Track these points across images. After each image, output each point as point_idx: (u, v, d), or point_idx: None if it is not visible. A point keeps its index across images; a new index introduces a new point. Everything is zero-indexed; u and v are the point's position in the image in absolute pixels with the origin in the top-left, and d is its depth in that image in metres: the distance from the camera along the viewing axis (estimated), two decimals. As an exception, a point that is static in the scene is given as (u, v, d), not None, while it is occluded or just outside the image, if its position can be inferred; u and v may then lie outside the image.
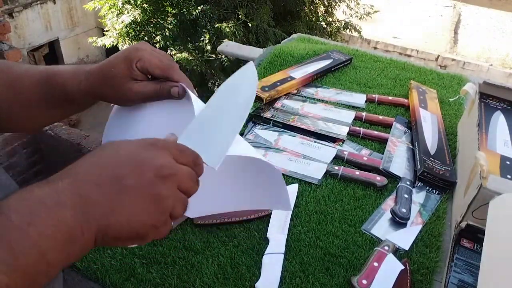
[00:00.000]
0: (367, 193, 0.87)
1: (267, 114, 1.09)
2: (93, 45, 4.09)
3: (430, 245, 0.76)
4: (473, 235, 0.71)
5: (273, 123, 1.07)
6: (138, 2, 3.73)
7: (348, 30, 4.61)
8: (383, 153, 0.97)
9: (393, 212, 0.81)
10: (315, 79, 1.29)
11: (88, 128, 4.87)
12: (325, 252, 0.74)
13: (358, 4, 4.70)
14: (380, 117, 1.11)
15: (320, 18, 4.55)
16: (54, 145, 2.15)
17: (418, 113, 1.07)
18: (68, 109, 0.56)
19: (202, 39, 3.67)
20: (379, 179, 0.88)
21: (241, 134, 1.03)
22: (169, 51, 3.80)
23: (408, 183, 0.89)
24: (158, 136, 0.47)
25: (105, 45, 3.90)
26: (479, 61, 6.28)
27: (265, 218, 0.79)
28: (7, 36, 2.59)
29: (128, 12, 3.71)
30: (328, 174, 0.91)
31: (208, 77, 3.67)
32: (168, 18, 3.74)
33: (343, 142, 1.02)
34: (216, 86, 3.59)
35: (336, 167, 0.91)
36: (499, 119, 0.96)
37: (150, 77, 0.53)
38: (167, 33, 3.65)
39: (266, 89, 1.16)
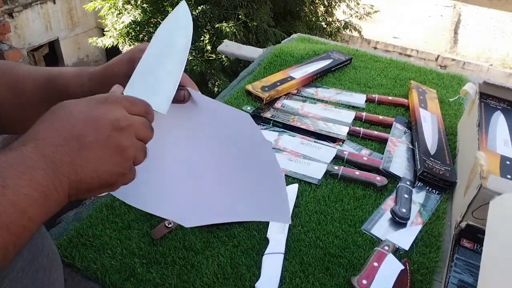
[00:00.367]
0: (367, 193, 0.87)
1: (267, 114, 1.09)
2: (93, 45, 4.09)
3: (430, 245, 0.76)
4: (473, 235, 0.71)
5: (273, 123, 1.07)
6: (138, 2, 3.73)
7: (348, 30, 4.61)
8: (383, 153, 0.97)
9: (393, 212, 0.81)
10: (315, 79, 1.29)
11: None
12: (325, 252, 0.74)
13: (358, 4, 4.69)
14: (380, 117, 1.11)
15: (320, 18, 4.54)
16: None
17: (418, 113, 1.07)
18: None
19: (202, 39, 3.67)
20: (379, 179, 0.88)
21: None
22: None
23: (408, 183, 0.89)
24: (165, 141, 0.49)
25: (105, 45, 3.90)
26: (479, 61, 6.27)
27: (265, 218, 0.79)
28: (7, 36, 2.59)
29: (128, 12, 3.71)
30: (328, 174, 0.91)
31: (208, 77, 3.67)
32: (168, 18, 3.73)
33: (343, 142, 1.02)
34: (216, 86, 3.58)
35: (336, 167, 0.91)
36: (499, 119, 0.96)
37: None
38: (167, 33, 3.64)
39: (266, 89, 1.16)
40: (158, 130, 0.50)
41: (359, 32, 4.58)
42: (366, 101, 1.20)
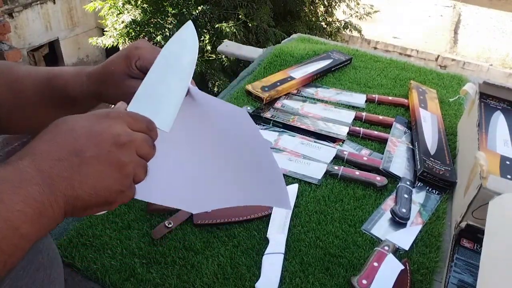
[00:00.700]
0: (367, 193, 0.87)
1: (267, 114, 1.09)
2: (93, 44, 4.09)
3: (430, 245, 0.76)
4: (473, 235, 0.71)
5: (273, 123, 1.07)
6: (138, 2, 3.73)
7: (348, 30, 4.61)
8: (383, 153, 0.97)
9: (393, 212, 0.81)
10: (315, 79, 1.29)
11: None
12: (325, 252, 0.74)
13: (358, 4, 4.69)
14: (380, 117, 1.11)
15: (320, 18, 4.54)
16: (54, 145, 2.15)
17: (418, 113, 1.07)
18: (69, 111, 0.55)
19: (202, 39, 3.66)
20: (379, 179, 0.89)
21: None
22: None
23: (408, 183, 0.89)
24: (166, 136, 0.49)
25: (105, 45, 3.90)
26: (479, 61, 6.27)
27: (265, 218, 0.79)
28: (7, 36, 2.59)
29: (128, 12, 3.71)
30: (328, 174, 0.91)
31: (208, 77, 3.66)
32: (168, 18, 3.73)
33: (343, 142, 1.02)
34: (216, 86, 3.58)
35: (336, 167, 0.91)
36: (499, 119, 0.96)
37: None
38: (167, 33, 3.64)
39: (266, 89, 1.16)
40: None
41: (359, 32, 4.58)
42: (366, 101, 1.20)
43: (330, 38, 4.27)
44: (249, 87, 1.17)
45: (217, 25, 3.46)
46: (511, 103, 1.01)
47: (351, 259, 0.73)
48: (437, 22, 7.34)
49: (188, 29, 0.54)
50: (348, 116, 1.12)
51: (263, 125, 1.07)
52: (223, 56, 3.49)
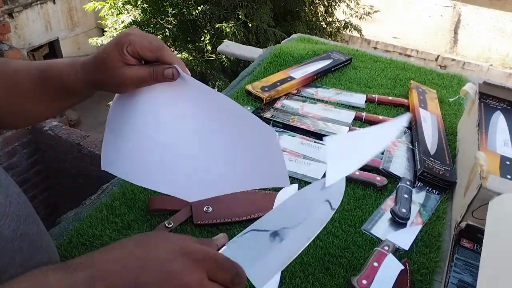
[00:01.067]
0: (367, 193, 0.87)
1: (267, 114, 1.09)
2: (93, 44, 4.09)
3: (430, 245, 0.76)
4: (473, 235, 0.71)
5: (273, 123, 1.07)
6: (138, 2, 3.73)
7: (348, 30, 4.61)
8: (383, 153, 0.97)
9: (393, 212, 0.81)
10: (315, 79, 1.29)
11: (88, 128, 4.87)
12: (325, 252, 0.74)
13: (358, 4, 4.69)
14: (380, 117, 1.11)
15: (320, 18, 4.54)
16: (54, 145, 2.15)
17: (418, 113, 1.07)
18: (65, 101, 0.57)
19: (202, 39, 3.67)
20: (379, 179, 0.88)
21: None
22: (169, 51, 3.80)
23: (408, 183, 0.89)
24: (160, 122, 0.52)
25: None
26: (479, 61, 6.27)
27: (265, 218, 0.79)
28: (7, 36, 2.59)
29: (128, 12, 3.71)
30: (328, 174, 0.91)
31: (208, 77, 3.67)
32: (168, 18, 3.74)
33: (343, 142, 1.02)
34: (216, 87, 3.58)
35: (336, 167, 0.91)
36: (499, 119, 0.96)
37: (143, 62, 0.54)
38: (167, 33, 3.65)
39: (266, 89, 1.16)
40: (154, 107, 0.55)
41: (359, 31, 4.58)
42: (366, 101, 1.20)
43: (330, 38, 4.27)
44: (249, 87, 1.17)
45: (217, 25, 3.46)
46: (511, 103, 1.01)
47: (351, 259, 0.73)
48: (437, 22, 7.34)
49: (341, 182, 0.53)
50: (348, 116, 1.12)
51: (263, 125, 1.07)
52: (223, 56, 3.49)
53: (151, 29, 3.72)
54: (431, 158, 0.93)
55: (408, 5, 7.74)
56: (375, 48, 6.33)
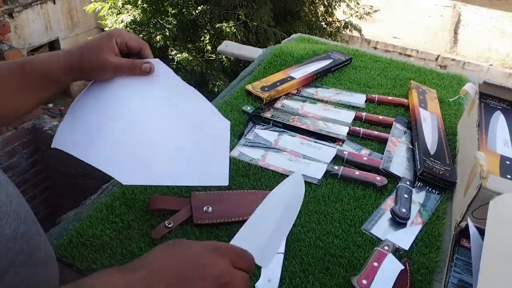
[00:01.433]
0: (367, 193, 0.87)
1: (267, 114, 1.09)
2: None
3: (430, 245, 0.76)
4: (473, 235, 0.71)
5: (273, 123, 1.07)
6: (138, 2, 3.73)
7: (348, 30, 4.61)
8: (383, 153, 0.97)
9: (393, 212, 0.81)
10: (315, 79, 1.29)
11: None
12: (325, 252, 0.74)
13: (358, 4, 4.69)
14: (380, 117, 1.11)
15: (320, 18, 4.54)
16: (54, 145, 2.14)
17: (418, 113, 1.07)
18: (46, 91, 0.61)
19: (202, 39, 3.67)
20: (379, 179, 0.88)
21: (241, 134, 1.03)
22: (169, 51, 3.80)
23: (408, 183, 0.89)
24: (123, 108, 0.59)
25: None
26: (479, 61, 6.27)
27: (265, 218, 0.79)
28: (7, 36, 2.59)
29: (128, 12, 3.71)
30: (328, 174, 0.91)
31: (208, 77, 3.67)
32: (168, 18, 3.74)
33: (343, 142, 1.02)
34: (216, 86, 3.58)
35: (336, 167, 0.91)
36: (499, 119, 0.96)
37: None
38: (167, 33, 3.65)
39: (266, 89, 1.16)
40: (121, 95, 0.61)
41: (359, 31, 4.58)
42: (366, 101, 1.20)
43: (330, 38, 4.27)
44: (249, 87, 1.17)
45: (217, 25, 3.46)
46: (511, 103, 1.01)
47: (351, 259, 0.73)
48: (437, 22, 7.34)
49: (297, 178, 0.63)
50: (348, 116, 1.12)
51: (263, 125, 1.07)
52: (223, 56, 3.49)
53: (151, 29, 3.72)
54: (431, 158, 0.93)
55: (408, 5, 7.74)
56: (375, 48, 6.33)
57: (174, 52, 3.73)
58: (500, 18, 7.54)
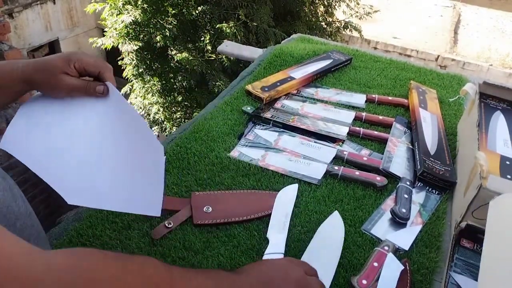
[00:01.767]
0: (367, 193, 0.87)
1: (267, 114, 1.09)
2: (93, 46, 4.09)
3: (430, 245, 0.76)
4: (473, 235, 0.71)
5: (273, 123, 1.07)
6: (139, 3, 3.73)
7: (348, 30, 4.60)
8: (383, 153, 0.97)
9: (393, 212, 0.81)
10: (315, 79, 1.29)
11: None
12: (325, 252, 0.74)
13: (358, 4, 4.69)
14: (380, 117, 1.11)
15: (320, 18, 4.54)
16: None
17: (418, 113, 1.07)
18: (1, 98, 0.63)
19: (202, 39, 3.66)
20: (379, 179, 0.88)
21: (241, 134, 1.03)
22: (169, 51, 3.80)
23: (408, 183, 0.89)
24: (74, 129, 0.62)
25: (105, 46, 3.90)
26: (479, 61, 6.27)
27: (265, 218, 0.79)
28: (7, 36, 2.59)
29: (128, 13, 3.70)
30: (328, 174, 0.91)
31: (208, 77, 3.66)
32: (168, 18, 3.73)
33: (343, 142, 1.02)
34: (216, 87, 3.58)
35: (336, 167, 0.91)
36: (499, 119, 0.96)
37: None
38: (167, 33, 3.64)
39: (266, 89, 1.16)
40: (74, 108, 0.64)
41: (359, 31, 4.58)
42: (366, 101, 1.19)
43: (330, 38, 4.27)
44: (249, 87, 1.17)
45: (217, 25, 3.46)
46: (511, 103, 1.01)
47: (351, 259, 0.73)
48: (437, 22, 7.34)
49: (336, 217, 0.79)
50: (348, 116, 1.12)
51: (263, 125, 1.07)
52: (223, 56, 3.49)
53: (151, 29, 3.71)
54: (431, 158, 0.93)
55: (408, 5, 7.74)
56: (375, 48, 6.33)
57: (174, 52, 3.73)
58: (500, 18, 7.54)
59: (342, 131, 1.05)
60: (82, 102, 0.65)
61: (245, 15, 3.49)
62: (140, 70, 4.04)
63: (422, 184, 0.90)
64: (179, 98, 4.16)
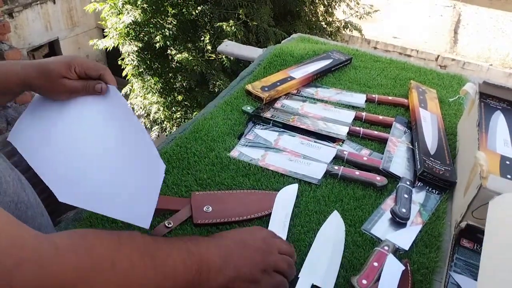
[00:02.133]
0: (367, 193, 0.87)
1: (267, 114, 1.09)
2: (94, 48, 4.08)
3: (430, 245, 0.76)
4: (473, 235, 0.71)
5: (273, 123, 1.07)
6: (138, 3, 3.73)
7: (348, 29, 4.61)
8: (383, 153, 0.97)
9: (393, 212, 0.81)
10: (315, 79, 1.29)
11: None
12: (325, 252, 0.74)
13: (358, 3, 4.69)
14: (380, 117, 1.11)
15: (320, 18, 4.54)
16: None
17: (418, 113, 1.07)
18: (1, 98, 0.65)
19: (202, 39, 3.66)
20: (379, 179, 0.88)
21: (241, 134, 1.03)
22: (169, 51, 3.80)
23: (408, 183, 0.89)
24: (75, 129, 0.62)
25: (106, 47, 3.90)
26: (479, 61, 6.27)
27: (265, 218, 0.79)
28: (7, 36, 2.59)
29: (128, 13, 3.70)
30: (328, 174, 0.91)
31: (208, 77, 3.66)
32: (168, 18, 3.74)
33: (343, 142, 1.02)
34: (216, 86, 3.58)
35: (336, 167, 0.91)
36: (499, 119, 0.96)
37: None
38: (167, 33, 3.65)
39: (266, 89, 1.16)
40: (77, 108, 0.65)
41: (360, 31, 4.58)
42: (366, 101, 1.19)
43: (330, 38, 4.27)
44: (249, 87, 1.17)
45: (217, 25, 3.46)
46: (511, 103, 1.01)
47: (351, 259, 0.73)
48: (437, 22, 7.34)
49: (336, 217, 0.80)
50: (348, 116, 1.12)
51: (263, 125, 1.07)
52: (223, 56, 3.49)
53: (151, 29, 3.71)
54: (431, 158, 0.93)
55: (408, 5, 7.74)
56: (375, 48, 6.33)
57: (174, 52, 3.73)
58: (500, 18, 7.53)
59: (342, 131, 1.05)
60: (88, 103, 0.66)
61: (245, 15, 3.49)
62: (140, 70, 4.05)
63: (422, 184, 0.90)
64: (179, 98, 4.16)
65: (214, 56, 3.62)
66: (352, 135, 1.05)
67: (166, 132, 4.37)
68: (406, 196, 0.85)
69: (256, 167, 0.91)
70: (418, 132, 1.01)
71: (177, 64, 3.81)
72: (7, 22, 2.60)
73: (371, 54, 1.47)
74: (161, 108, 4.25)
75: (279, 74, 1.25)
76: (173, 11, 3.74)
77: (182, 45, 3.75)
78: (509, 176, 0.77)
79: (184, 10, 3.68)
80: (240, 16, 3.48)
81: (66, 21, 5.98)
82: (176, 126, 4.26)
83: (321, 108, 1.15)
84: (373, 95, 1.20)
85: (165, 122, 4.33)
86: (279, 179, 0.89)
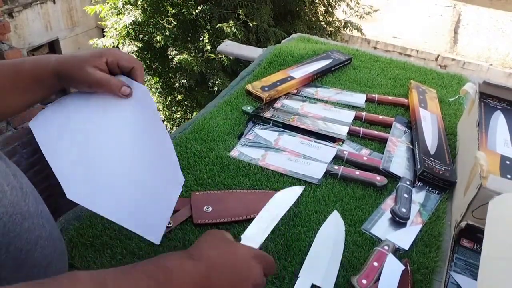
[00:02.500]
0: (367, 193, 0.87)
1: (267, 114, 1.09)
2: (94, 47, 4.08)
3: (430, 245, 0.76)
4: (473, 235, 0.71)
5: (273, 123, 1.07)
6: (139, 3, 3.73)
7: (348, 29, 4.61)
8: (383, 153, 0.97)
9: (393, 212, 0.81)
10: (315, 79, 1.29)
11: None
12: (325, 252, 0.74)
13: (358, 3, 4.69)
14: (380, 117, 1.11)
15: (320, 17, 4.54)
16: (54, 145, 2.14)
17: (418, 113, 1.07)
18: (37, 93, 0.63)
19: (202, 39, 3.66)
20: (379, 179, 0.88)
21: (241, 134, 1.03)
22: (169, 51, 3.80)
23: (408, 183, 0.89)
24: (100, 128, 0.60)
25: (105, 47, 3.90)
26: (479, 61, 6.27)
27: (265, 218, 0.79)
28: (7, 36, 2.59)
29: (128, 13, 3.70)
30: (328, 174, 0.91)
31: (208, 77, 3.66)
32: (168, 18, 3.73)
33: (343, 142, 1.02)
34: (216, 86, 3.58)
35: (336, 167, 0.91)
36: (499, 119, 0.96)
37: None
38: (167, 33, 3.64)
39: (266, 89, 1.16)
40: (104, 106, 0.62)
41: (360, 31, 4.58)
42: (366, 101, 1.20)
43: (330, 38, 4.27)
44: (249, 87, 1.17)
45: (217, 25, 3.46)
46: (511, 103, 1.01)
47: (351, 259, 0.73)
48: (437, 22, 7.34)
49: (335, 217, 0.79)
50: (348, 116, 1.12)
51: (263, 125, 1.07)
52: (223, 56, 3.49)
53: (151, 29, 3.71)
54: (431, 158, 0.93)
55: (408, 5, 7.74)
56: (375, 48, 6.33)
57: (174, 52, 3.73)
58: (500, 18, 7.53)
59: (342, 131, 1.05)
60: (115, 102, 0.62)
61: (245, 15, 3.48)
62: (140, 70, 4.04)
63: (422, 184, 0.90)
64: (179, 98, 4.16)
65: (214, 56, 3.62)
66: (352, 135, 1.05)
67: (166, 132, 4.37)
68: (406, 196, 0.85)
69: (256, 167, 0.91)
70: (418, 132, 1.01)
71: (177, 64, 3.81)
72: (7, 22, 2.60)
73: (371, 54, 1.47)
74: (161, 108, 4.25)
75: (279, 74, 1.25)
76: (173, 11, 3.74)
77: (182, 45, 3.75)
78: (509, 176, 0.77)
79: (184, 10, 3.68)
80: (240, 16, 3.48)
81: (66, 21, 5.98)
82: (176, 126, 4.26)
83: (321, 108, 1.15)
84: (373, 95, 1.20)
85: (165, 122, 4.33)
86: (279, 179, 0.89)
